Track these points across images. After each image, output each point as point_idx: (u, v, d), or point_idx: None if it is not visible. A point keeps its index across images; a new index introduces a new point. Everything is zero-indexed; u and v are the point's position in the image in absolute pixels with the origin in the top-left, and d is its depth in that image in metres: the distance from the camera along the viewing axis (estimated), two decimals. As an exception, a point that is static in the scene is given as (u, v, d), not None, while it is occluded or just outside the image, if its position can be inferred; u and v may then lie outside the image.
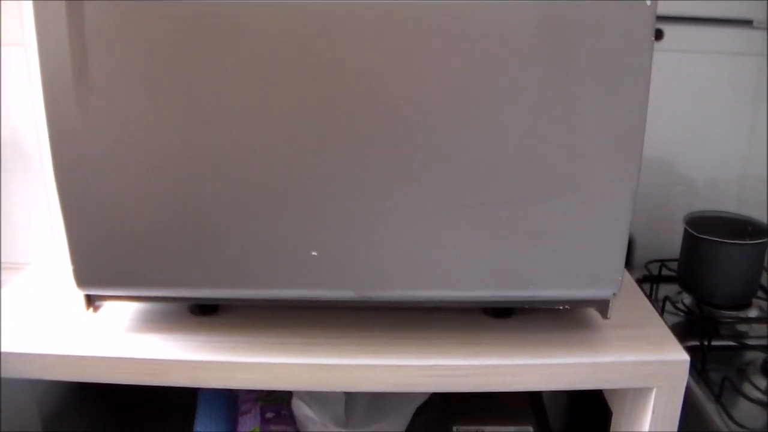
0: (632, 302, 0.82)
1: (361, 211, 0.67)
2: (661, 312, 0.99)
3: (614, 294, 0.71)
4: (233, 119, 0.64)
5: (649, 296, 1.04)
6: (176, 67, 0.63)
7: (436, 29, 0.62)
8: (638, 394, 0.75)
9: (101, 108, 0.64)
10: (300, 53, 0.62)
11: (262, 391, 0.88)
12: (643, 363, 0.71)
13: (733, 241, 0.96)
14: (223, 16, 0.61)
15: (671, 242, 1.05)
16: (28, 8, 1.00)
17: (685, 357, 0.71)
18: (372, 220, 0.67)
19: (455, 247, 0.68)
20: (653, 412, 0.73)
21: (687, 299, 1.04)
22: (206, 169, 0.66)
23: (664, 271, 1.09)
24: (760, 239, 0.97)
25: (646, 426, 0.74)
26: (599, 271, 0.69)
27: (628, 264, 1.15)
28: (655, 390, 0.72)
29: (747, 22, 1.08)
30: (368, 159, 0.65)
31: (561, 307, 0.73)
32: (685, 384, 0.72)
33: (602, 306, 0.73)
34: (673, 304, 1.01)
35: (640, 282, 1.08)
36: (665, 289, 1.06)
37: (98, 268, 0.70)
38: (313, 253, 0.68)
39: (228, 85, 0.63)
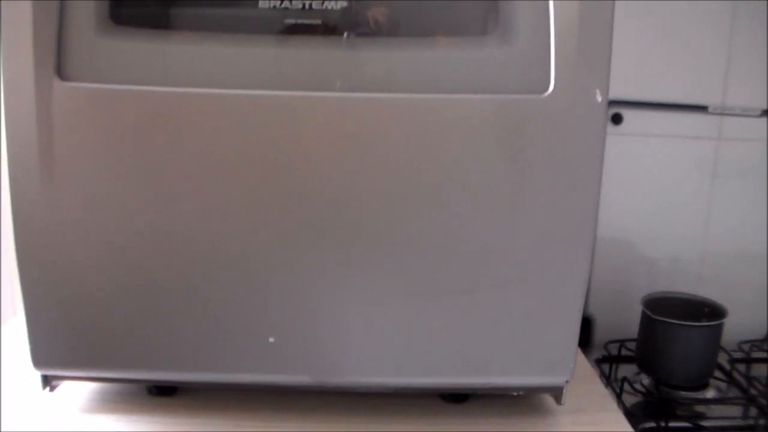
0: (587, 387, 0.83)
1: (318, 298, 0.68)
2: (620, 393, 1.00)
3: (567, 381, 0.72)
4: (193, 205, 0.65)
5: (608, 377, 1.05)
6: (139, 151, 0.64)
7: (392, 121, 0.64)
8: (592, 480, 0.76)
9: (64, 188, 0.65)
10: (258, 142, 0.64)
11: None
12: (596, 450, 0.72)
13: (688, 323, 0.97)
14: (186, 105, 0.63)
15: (633, 322, 1.06)
16: None
17: (638, 444, 0.72)
18: (328, 307, 0.68)
19: (410, 335, 0.69)
20: (607, 499, 0.74)
21: (645, 380, 1.05)
22: (165, 254, 0.67)
23: (624, 351, 1.10)
24: (717, 320, 0.99)
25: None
26: (552, 359, 0.71)
27: (588, 344, 1.17)
28: (608, 477, 0.73)
29: (702, 108, 1.12)
30: (325, 247, 0.66)
31: (516, 393, 0.74)
32: (637, 471, 0.73)
33: (556, 392, 0.74)
34: (632, 384, 1.01)
35: (599, 362, 1.09)
36: (624, 369, 1.07)
37: (56, 349, 0.70)
38: (271, 340, 0.68)
39: (189, 172, 0.65)
